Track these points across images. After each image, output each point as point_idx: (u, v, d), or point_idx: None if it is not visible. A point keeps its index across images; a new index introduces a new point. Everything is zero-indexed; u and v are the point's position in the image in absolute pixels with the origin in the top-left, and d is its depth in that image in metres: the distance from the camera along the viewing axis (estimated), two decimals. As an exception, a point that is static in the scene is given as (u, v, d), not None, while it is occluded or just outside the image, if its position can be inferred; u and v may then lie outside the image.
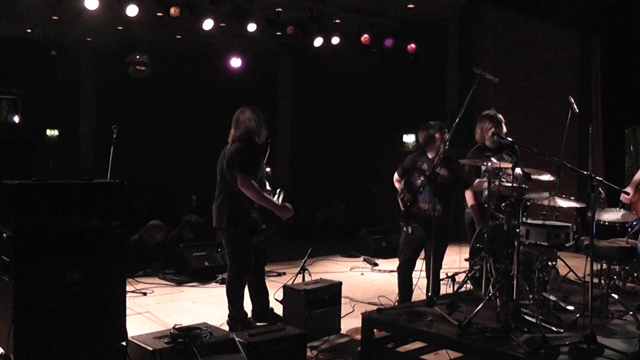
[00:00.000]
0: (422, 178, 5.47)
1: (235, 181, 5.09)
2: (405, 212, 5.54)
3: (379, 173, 12.65)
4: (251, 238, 5.23)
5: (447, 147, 5.64)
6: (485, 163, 5.20)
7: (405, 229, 5.59)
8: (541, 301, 4.85)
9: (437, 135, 5.64)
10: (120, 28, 11.59)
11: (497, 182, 5.05)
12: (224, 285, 7.30)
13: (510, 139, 5.27)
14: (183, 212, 10.46)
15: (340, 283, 5.74)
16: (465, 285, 5.58)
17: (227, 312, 5.35)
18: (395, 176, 5.91)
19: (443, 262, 5.89)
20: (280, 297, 5.61)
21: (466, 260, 6.33)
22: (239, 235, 5.20)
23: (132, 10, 8.68)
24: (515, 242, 4.71)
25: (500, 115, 6.06)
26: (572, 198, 5.89)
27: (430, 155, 5.66)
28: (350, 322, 5.68)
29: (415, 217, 5.53)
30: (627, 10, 8.86)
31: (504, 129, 6.02)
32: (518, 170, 4.77)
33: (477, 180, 5.78)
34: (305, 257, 6.25)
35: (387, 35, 11.23)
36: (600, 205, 6.14)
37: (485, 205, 5.87)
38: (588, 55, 9.89)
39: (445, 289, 5.89)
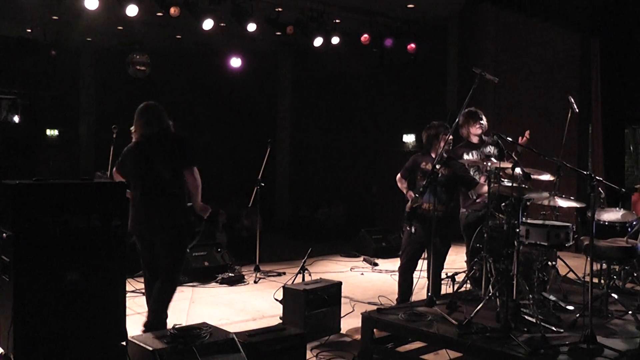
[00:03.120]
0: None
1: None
2: (409, 212, 5.55)
3: (379, 173, 12.64)
4: None
5: (450, 147, 5.67)
6: (485, 163, 5.22)
7: (408, 229, 5.59)
8: (541, 301, 4.86)
9: (440, 136, 5.64)
10: (120, 28, 11.58)
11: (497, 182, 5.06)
12: (224, 285, 7.38)
13: (510, 139, 5.28)
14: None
15: (340, 283, 5.74)
16: (465, 285, 5.59)
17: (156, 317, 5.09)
18: (398, 176, 5.90)
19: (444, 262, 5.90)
20: (280, 297, 5.61)
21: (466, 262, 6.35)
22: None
23: (132, 10, 8.68)
24: (515, 242, 4.72)
25: (479, 111, 6.19)
26: (572, 198, 5.90)
27: (434, 155, 5.65)
28: (350, 322, 5.68)
29: (419, 217, 5.53)
30: (627, 10, 8.85)
31: (485, 123, 6.17)
32: (518, 170, 4.77)
33: (480, 182, 5.79)
34: (305, 257, 6.26)
35: (387, 35, 11.21)
36: (600, 205, 6.14)
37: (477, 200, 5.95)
38: (588, 55, 9.88)
39: (445, 289, 5.90)
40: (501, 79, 6.53)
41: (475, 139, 6.15)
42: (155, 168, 4.90)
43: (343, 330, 5.55)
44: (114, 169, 5.21)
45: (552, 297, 5.01)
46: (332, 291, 5.55)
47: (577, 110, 6.30)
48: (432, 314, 4.79)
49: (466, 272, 5.68)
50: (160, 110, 5.13)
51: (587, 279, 4.46)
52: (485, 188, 5.12)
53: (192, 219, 5.04)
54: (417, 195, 5.40)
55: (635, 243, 5.19)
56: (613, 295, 5.07)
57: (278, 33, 10.35)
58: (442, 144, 5.53)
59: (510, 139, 5.28)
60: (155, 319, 5.01)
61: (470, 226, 5.98)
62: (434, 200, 5.23)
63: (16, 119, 13.54)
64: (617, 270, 5.90)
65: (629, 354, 4.09)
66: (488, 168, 5.13)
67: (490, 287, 4.97)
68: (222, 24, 9.77)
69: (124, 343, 4.01)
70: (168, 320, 5.23)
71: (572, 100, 6.29)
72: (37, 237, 3.74)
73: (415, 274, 5.79)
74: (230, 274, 7.59)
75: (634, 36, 9.03)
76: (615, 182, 5.74)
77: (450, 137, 5.53)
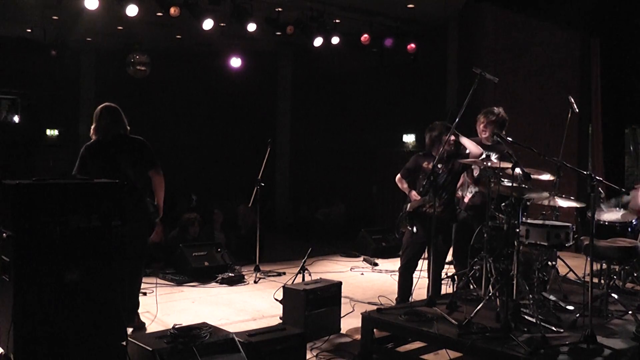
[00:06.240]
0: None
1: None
2: (412, 212, 5.53)
3: (379, 173, 12.64)
4: None
5: (452, 147, 5.66)
6: (484, 163, 5.22)
7: (410, 229, 5.58)
8: (541, 301, 4.85)
9: (444, 136, 5.61)
10: (120, 28, 11.58)
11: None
12: (224, 285, 7.38)
13: (510, 139, 5.27)
14: (183, 211, 10.47)
15: (340, 283, 5.74)
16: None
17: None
18: (398, 177, 5.88)
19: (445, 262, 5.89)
20: (280, 297, 5.61)
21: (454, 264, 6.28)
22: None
23: (132, 10, 8.68)
24: (515, 242, 4.71)
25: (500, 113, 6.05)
26: (572, 198, 5.90)
27: (435, 155, 5.64)
28: (350, 322, 5.68)
29: (420, 217, 5.52)
30: (627, 10, 8.85)
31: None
32: (518, 170, 4.77)
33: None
34: (305, 257, 6.26)
35: (387, 35, 11.21)
36: (600, 205, 6.14)
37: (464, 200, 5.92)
38: (588, 55, 9.88)
39: (445, 289, 5.89)
40: (501, 79, 6.50)
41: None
42: (121, 167, 5.20)
43: (343, 330, 5.55)
44: (75, 170, 5.33)
45: (552, 297, 5.01)
46: (332, 291, 5.54)
47: (577, 110, 6.29)
48: (432, 314, 4.79)
49: (466, 272, 5.68)
50: (122, 112, 5.42)
51: (587, 279, 4.46)
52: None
53: (152, 210, 5.36)
54: (430, 195, 5.36)
55: (636, 243, 5.19)
56: (613, 295, 5.07)
57: (278, 33, 10.35)
58: (444, 144, 5.52)
59: (510, 139, 5.28)
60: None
61: (459, 226, 5.96)
62: (435, 200, 5.22)
63: (16, 119, 13.55)
64: (617, 270, 5.90)
65: (629, 354, 4.09)
66: (487, 168, 5.12)
67: (490, 287, 4.97)
68: (222, 24, 9.77)
69: (124, 343, 4.01)
70: (168, 320, 5.23)
71: (572, 100, 6.28)
72: (37, 237, 3.73)
73: (415, 274, 5.79)
74: (230, 274, 7.59)
75: (634, 36, 9.02)
76: (615, 182, 5.73)
77: (452, 137, 5.52)
